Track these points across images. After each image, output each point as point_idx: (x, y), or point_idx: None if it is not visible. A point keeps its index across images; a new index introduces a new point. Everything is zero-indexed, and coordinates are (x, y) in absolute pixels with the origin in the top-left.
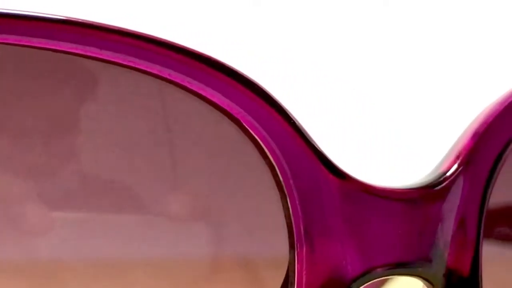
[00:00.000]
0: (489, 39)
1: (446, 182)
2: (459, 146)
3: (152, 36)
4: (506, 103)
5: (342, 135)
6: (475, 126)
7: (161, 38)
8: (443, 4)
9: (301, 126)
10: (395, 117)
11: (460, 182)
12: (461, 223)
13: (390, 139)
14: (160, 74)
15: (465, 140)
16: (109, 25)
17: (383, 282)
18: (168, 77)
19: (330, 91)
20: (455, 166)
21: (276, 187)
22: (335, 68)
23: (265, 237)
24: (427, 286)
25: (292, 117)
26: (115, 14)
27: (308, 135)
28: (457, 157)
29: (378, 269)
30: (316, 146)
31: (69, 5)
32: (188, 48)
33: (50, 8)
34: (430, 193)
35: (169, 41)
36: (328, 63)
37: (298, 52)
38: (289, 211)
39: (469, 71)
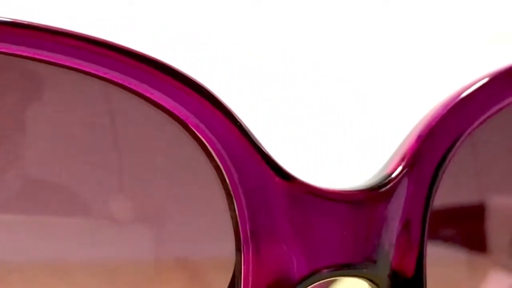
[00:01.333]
0: (489, 39)
1: (391, 184)
2: (404, 148)
3: (98, 38)
4: (450, 106)
5: (341, 135)
6: (420, 128)
7: (107, 40)
8: (443, 4)
9: (248, 129)
10: (399, 117)
11: (404, 183)
12: (405, 225)
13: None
14: (106, 76)
15: (409, 142)
16: (56, 27)
17: (330, 283)
18: (114, 79)
19: (330, 91)
20: (400, 168)
21: (222, 190)
22: (335, 68)
23: (211, 240)
24: (372, 287)
25: (238, 119)
26: (115, 14)
27: (254, 137)
28: (402, 159)
29: (324, 271)
30: (262, 149)
31: (64, 4)
32: (133, 50)
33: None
34: (375, 195)
35: (115, 43)
36: (328, 63)
37: (298, 52)
38: (235, 213)
39: (467, 71)
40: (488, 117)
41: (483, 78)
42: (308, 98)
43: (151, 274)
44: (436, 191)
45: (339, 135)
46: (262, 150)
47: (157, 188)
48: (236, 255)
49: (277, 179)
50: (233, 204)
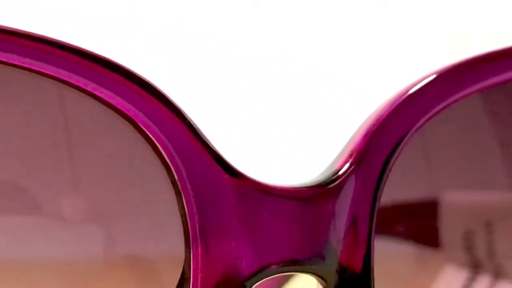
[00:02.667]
0: (489, 38)
1: (339, 180)
2: (352, 145)
3: (48, 37)
4: (397, 103)
5: (339, 134)
6: (367, 125)
7: (56, 39)
8: (443, 4)
9: (197, 126)
10: None
11: (352, 180)
12: (353, 221)
13: None
14: (56, 75)
15: (357, 139)
16: (5, 27)
17: (283, 282)
18: (64, 78)
19: (328, 91)
20: (347, 165)
21: (172, 187)
22: (334, 68)
23: (162, 237)
24: (320, 282)
25: (187, 117)
26: (115, 13)
27: (203, 135)
28: (349, 156)
29: (272, 267)
30: (211, 146)
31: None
32: (83, 49)
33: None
34: (323, 192)
35: (64, 42)
36: (326, 63)
37: (297, 52)
38: (184, 210)
39: None
40: (435, 114)
41: (430, 75)
42: (306, 98)
43: (102, 272)
44: (383, 187)
45: (336, 135)
46: (211, 148)
47: (107, 186)
48: (186, 252)
49: (225, 176)
50: (182, 202)
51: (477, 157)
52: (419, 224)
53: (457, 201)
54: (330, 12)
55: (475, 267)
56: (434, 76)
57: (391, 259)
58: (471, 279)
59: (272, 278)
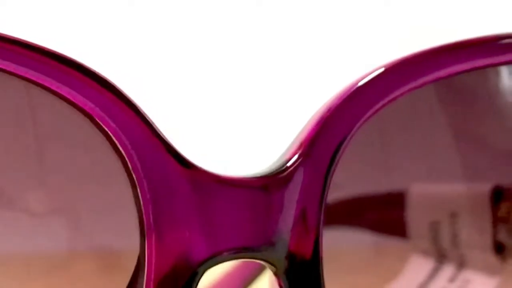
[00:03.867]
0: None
1: (288, 170)
2: (302, 136)
3: (4, 34)
4: (346, 95)
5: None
6: (317, 116)
7: (13, 36)
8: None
9: (151, 120)
10: None
11: (301, 170)
12: (302, 210)
13: None
14: (16, 72)
15: (307, 130)
16: None
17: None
18: (23, 74)
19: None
20: (297, 155)
21: (128, 179)
22: (333, 67)
23: (119, 227)
24: (270, 269)
25: (141, 110)
26: (115, 13)
27: (157, 127)
28: (299, 147)
29: (224, 254)
30: (164, 138)
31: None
32: (39, 45)
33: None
34: (273, 181)
35: (21, 39)
36: (327, 63)
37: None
38: (139, 200)
39: None
40: (383, 106)
41: (379, 68)
42: (305, 97)
43: (62, 263)
44: (331, 178)
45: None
46: (164, 140)
47: (67, 179)
48: (141, 241)
49: (179, 167)
50: (137, 193)
51: (429, 148)
52: (382, 215)
53: (418, 192)
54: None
55: (440, 257)
56: (382, 69)
57: (338, 246)
58: (436, 269)
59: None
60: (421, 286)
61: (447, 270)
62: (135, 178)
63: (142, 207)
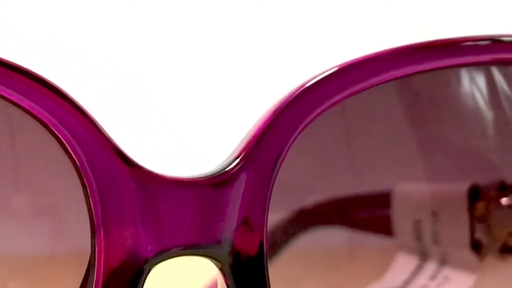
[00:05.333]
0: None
1: (234, 170)
2: (249, 136)
3: None
4: (293, 96)
5: None
6: (264, 116)
7: None
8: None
9: (96, 121)
10: None
11: (246, 169)
12: (247, 208)
13: None
14: None
15: (254, 130)
16: None
17: None
18: None
19: None
20: (242, 155)
21: (79, 179)
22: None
23: (75, 227)
24: (216, 265)
25: (87, 112)
26: (116, 13)
27: (103, 129)
28: (245, 147)
29: (170, 250)
30: (111, 140)
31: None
32: None
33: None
34: (218, 181)
35: None
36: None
37: (297, 53)
38: (89, 200)
39: None
40: (330, 106)
41: (332, 69)
42: None
43: (22, 264)
44: (276, 176)
45: None
46: (111, 141)
47: (22, 183)
48: (91, 239)
49: (126, 168)
50: (87, 192)
51: (384, 146)
52: (366, 215)
53: (402, 192)
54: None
55: (423, 255)
56: (334, 69)
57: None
58: (419, 266)
59: None
60: (405, 284)
61: (429, 268)
62: (84, 179)
63: (92, 206)
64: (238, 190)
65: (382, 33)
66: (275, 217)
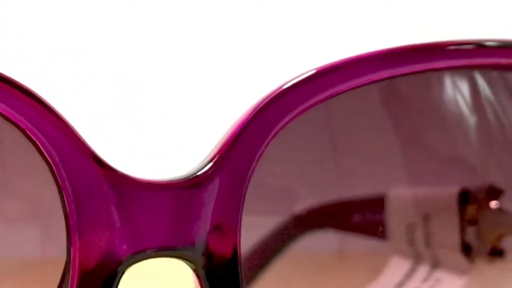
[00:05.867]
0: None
1: (206, 174)
2: (222, 140)
3: None
4: (268, 99)
5: None
6: (239, 120)
7: None
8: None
9: (72, 126)
10: None
11: (218, 173)
12: (221, 211)
13: None
14: None
15: (228, 133)
16: None
17: None
18: None
19: None
20: (216, 158)
21: (54, 183)
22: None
23: (54, 231)
24: (190, 267)
25: (62, 116)
26: (116, 13)
27: (79, 134)
28: (219, 150)
29: (145, 252)
30: (86, 144)
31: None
32: None
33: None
34: (192, 184)
35: None
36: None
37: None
38: (64, 203)
39: None
40: (303, 111)
41: (308, 72)
42: None
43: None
44: (249, 180)
45: None
46: (86, 145)
47: (1, 188)
48: (67, 242)
49: (101, 171)
50: (63, 195)
51: (360, 150)
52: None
53: (396, 195)
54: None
55: (417, 258)
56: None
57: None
58: (413, 269)
59: None
60: (398, 286)
61: (422, 271)
62: (60, 182)
63: (67, 209)
64: (212, 193)
65: (382, 33)
66: (251, 220)
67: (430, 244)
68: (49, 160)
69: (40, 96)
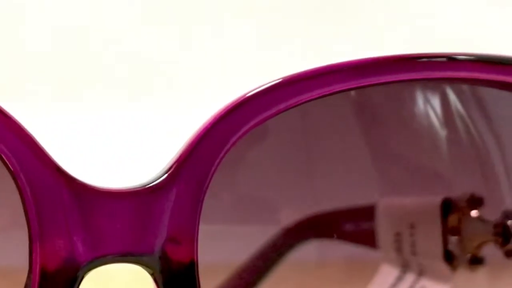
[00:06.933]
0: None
1: (163, 182)
2: (181, 149)
3: None
4: (229, 108)
5: None
6: (199, 129)
7: None
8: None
9: (33, 136)
10: None
11: (176, 182)
12: (178, 218)
13: None
14: None
15: (188, 141)
16: None
17: None
18: None
19: None
20: (173, 168)
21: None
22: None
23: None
24: (148, 272)
25: (22, 125)
26: (116, 13)
27: (40, 144)
28: (176, 160)
29: (105, 258)
30: (47, 154)
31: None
32: None
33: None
34: (149, 192)
35: None
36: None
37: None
38: (26, 212)
39: None
40: (264, 120)
41: (269, 82)
42: None
43: None
44: (207, 188)
45: None
46: (47, 154)
47: None
48: (29, 248)
49: (61, 180)
50: (25, 205)
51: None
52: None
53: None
54: None
55: (404, 266)
56: (277, 81)
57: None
58: (400, 277)
59: None
60: None
61: (409, 279)
62: (22, 191)
63: (29, 216)
64: (169, 201)
65: (382, 34)
66: (210, 228)
67: (416, 252)
68: (11, 169)
69: (1, 107)
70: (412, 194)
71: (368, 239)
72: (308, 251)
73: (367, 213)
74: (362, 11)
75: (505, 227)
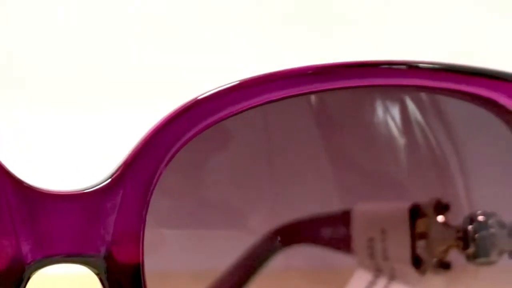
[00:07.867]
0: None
1: (110, 185)
2: (127, 154)
3: None
4: (181, 108)
5: None
6: (146, 133)
7: None
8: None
9: None
10: None
11: (122, 184)
12: (124, 220)
13: None
14: None
15: (133, 146)
16: None
17: None
18: None
19: None
20: (119, 170)
21: None
22: None
23: None
24: (94, 273)
25: None
26: (116, 13)
27: None
28: (124, 163)
29: (52, 258)
30: None
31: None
32: None
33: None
34: (96, 194)
35: None
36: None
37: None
38: None
39: None
40: (212, 123)
41: (222, 86)
42: None
43: None
44: (153, 189)
45: None
46: None
47: None
48: None
49: (8, 183)
50: None
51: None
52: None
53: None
54: None
55: (377, 271)
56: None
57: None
58: (372, 282)
59: None
60: None
61: (380, 284)
62: None
63: None
64: (115, 203)
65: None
66: (157, 229)
67: (387, 257)
68: None
69: None
70: (372, 200)
71: (341, 245)
72: (276, 259)
73: (335, 220)
74: (360, 20)
75: (466, 232)
